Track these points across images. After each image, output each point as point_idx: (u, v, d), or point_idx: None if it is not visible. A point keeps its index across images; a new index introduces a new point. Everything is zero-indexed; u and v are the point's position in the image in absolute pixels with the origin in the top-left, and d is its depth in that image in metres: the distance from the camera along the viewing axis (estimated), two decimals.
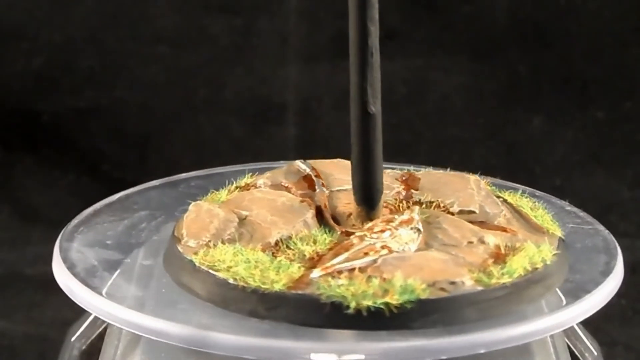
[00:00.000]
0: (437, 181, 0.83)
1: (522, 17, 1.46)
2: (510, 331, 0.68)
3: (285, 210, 0.77)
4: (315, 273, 0.70)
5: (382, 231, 0.74)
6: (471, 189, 0.83)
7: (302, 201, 0.79)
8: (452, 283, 0.70)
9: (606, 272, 0.77)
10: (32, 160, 1.45)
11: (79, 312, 0.78)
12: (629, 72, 1.46)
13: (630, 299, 1.23)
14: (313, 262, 0.72)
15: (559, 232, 0.80)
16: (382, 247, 0.72)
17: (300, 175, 0.83)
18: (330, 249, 0.74)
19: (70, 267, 0.76)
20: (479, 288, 0.70)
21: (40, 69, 1.45)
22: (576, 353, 0.82)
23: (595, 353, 0.83)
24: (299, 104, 1.46)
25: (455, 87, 1.47)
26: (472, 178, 0.84)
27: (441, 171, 0.87)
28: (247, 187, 0.83)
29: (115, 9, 1.45)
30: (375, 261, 0.71)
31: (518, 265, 0.73)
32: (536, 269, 0.73)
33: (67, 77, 1.45)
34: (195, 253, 0.73)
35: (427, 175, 0.85)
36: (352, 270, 0.70)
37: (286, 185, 0.83)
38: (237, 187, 0.84)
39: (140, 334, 0.71)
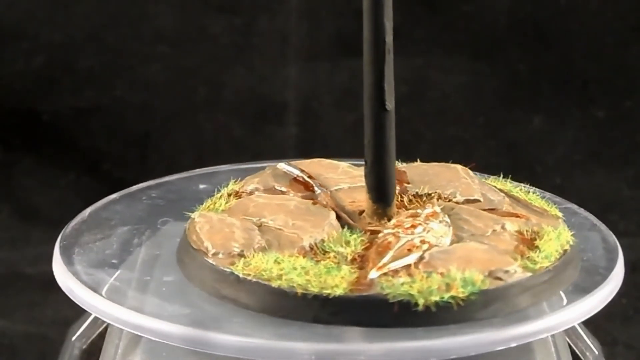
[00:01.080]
0: (424, 173, 0.83)
1: (522, 16, 1.46)
2: (512, 331, 0.68)
3: (304, 214, 0.76)
4: (373, 274, 0.70)
5: (414, 226, 0.74)
6: (464, 178, 0.83)
7: (314, 203, 0.78)
8: (506, 272, 0.71)
9: (608, 248, 0.78)
10: (32, 160, 1.45)
11: (80, 312, 0.78)
12: (629, 72, 1.46)
13: (631, 298, 1.23)
14: (359, 263, 0.72)
15: (559, 214, 0.81)
16: (421, 242, 0.72)
17: (289, 178, 0.82)
18: (366, 248, 0.73)
19: (94, 289, 0.75)
20: (528, 274, 0.71)
21: (40, 69, 1.45)
22: (577, 352, 0.82)
23: (596, 352, 0.83)
24: (299, 104, 1.46)
25: (456, 87, 1.47)
26: (459, 167, 0.84)
27: (417, 163, 0.86)
28: (238, 194, 0.82)
29: (115, 8, 1.45)
30: (422, 257, 0.71)
31: (552, 249, 0.74)
32: (566, 251, 0.75)
33: (67, 77, 1.45)
34: (232, 264, 0.72)
35: (411, 167, 0.85)
36: (407, 267, 0.70)
37: (280, 189, 0.81)
38: (228, 195, 0.82)
39: (141, 335, 0.70)
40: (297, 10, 1.45)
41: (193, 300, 0.73)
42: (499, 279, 0.70)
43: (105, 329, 0.81)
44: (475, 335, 0.68)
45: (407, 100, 1.45)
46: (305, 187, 0.81)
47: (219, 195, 0.82)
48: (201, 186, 0.88)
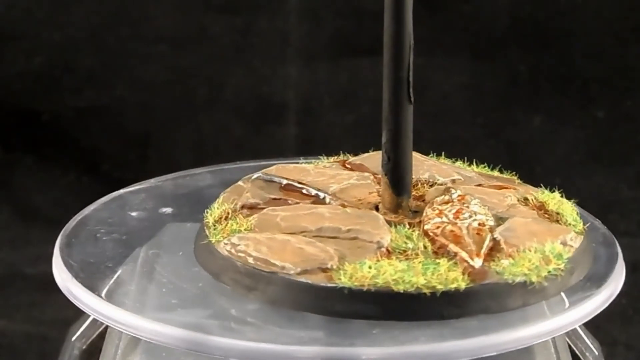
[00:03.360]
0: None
1: (522, 16, 1.46)
2: (515, 335, 0.68)
3: (349, 219, 0.74)
4: (477, 262, 0.70)
5: (459, 212, 0.74)
6: (425, 160, 0.84)
7: (343, 206, 0.76)
8: (571, 238, 0.73)
9: (608, 249, 0.78)
10: (32, 160, 1.45)
11: (80, 312, 0.78)
12: (629, 71, 1.46)
13: (630, 298, 1.23)
14: (446, 256, 0.71)
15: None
16: (480, 225, 0.73)
17: (276, 187, 0.80)
18: (432, 240, 0.73)
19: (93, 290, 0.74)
20: (581, 237, 0.74)
21: (40, 69, 1.45)
22: (577, 352, 0.82)
23: (596, 352, 0.83)
24: (299, 103, 1.46)
25: (456, 87, 1.47)
26: (433, 157, 0.85)
27: (365, 155, 0.86)
28: (238, 213, 0.78)
29: (115, 8, 1.45)
30: (495, 239, 0.72)
31: (571, 212, 0.77)
32: (577, 212, 0.78)
33: (67, 77, 1.45)
34: (330, 279, 0.69)
35: (365, 159, 0.84)
36: (496, 249, 0.71)
37: (280, 198, 0.79)
38: (227, 217, 0.78)
39: (140, 337, 0.70)
40: (297, 10, 1.46)
41: (306, 323, 0.70)
42: (570, 246, 0.73)
43: (105, 329, 0.81)
44: (477, 339, 0.67)
45: None
46: (300, 193, 0.80)
47: (217, 216, 0.78)
48: (133, 213, 0.85)
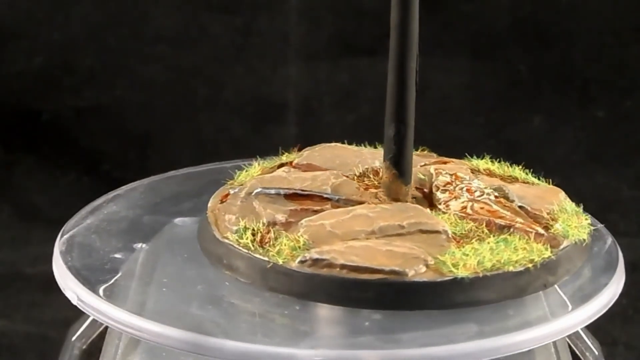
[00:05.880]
0: (329, 158, 0.83)
1: (522, 16, 1.46)
2: (517, 337, 0.68)
3: (398, 214, 0.73)
4: (542, 230, 0.72)
5: (469, 189, 0.76)
6: (361, 149, 0.85)
7: (375, 205, 0.76)
8: (566, 196, 0.78)
9: (608, 250, 0.79)
10: (32, 160, 1.45)
11: (80, 312, 0.78)
12: (629, 71, 1.46)
13: (631, 298, 1.23)
14: (504, 232, 0.72)
15: None
16: (496, 198, 0.75)
17: (281, 198, 0.78)
18: (475, 220, 0.73)
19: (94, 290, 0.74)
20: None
21: (40, 69, 1.45)
22: (577, 352, 0.82)
23: (596, 352, 0.83)
24: (299, 103, 1.46)
25: (456, 87, 1.47)
26: (339, 144, 0.87)
27: (305, 154, 0.86)
28: (269, 231, 0.74)
29: (115, 8, 1.45)
30: (522, 207, 0.75)
31: (524, 173, 0.82)
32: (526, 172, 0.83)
33: (67, 77, 1.45)
34: (442, 273, 0.69)
35: (309, 158, 0.84)
36: (531, 216, 0.74)
37: (300, 208, 0.77)
38: (263, 240, 0.74)
39: (141, 338, 0.70)
40: (297, 10, 1.46)
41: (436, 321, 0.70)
42: (572, 202, 0.77)
43: (105, 329, 0.81)
44: (478, 342, 0.67)
45: None
46: (310, 200, 0.78)
47: (251, 237, 0.74)
48: (117, 255, 0.81)
